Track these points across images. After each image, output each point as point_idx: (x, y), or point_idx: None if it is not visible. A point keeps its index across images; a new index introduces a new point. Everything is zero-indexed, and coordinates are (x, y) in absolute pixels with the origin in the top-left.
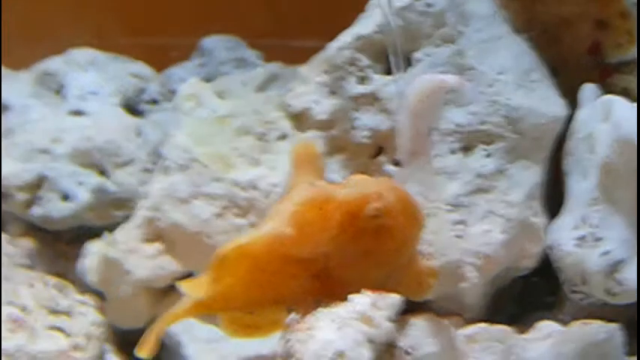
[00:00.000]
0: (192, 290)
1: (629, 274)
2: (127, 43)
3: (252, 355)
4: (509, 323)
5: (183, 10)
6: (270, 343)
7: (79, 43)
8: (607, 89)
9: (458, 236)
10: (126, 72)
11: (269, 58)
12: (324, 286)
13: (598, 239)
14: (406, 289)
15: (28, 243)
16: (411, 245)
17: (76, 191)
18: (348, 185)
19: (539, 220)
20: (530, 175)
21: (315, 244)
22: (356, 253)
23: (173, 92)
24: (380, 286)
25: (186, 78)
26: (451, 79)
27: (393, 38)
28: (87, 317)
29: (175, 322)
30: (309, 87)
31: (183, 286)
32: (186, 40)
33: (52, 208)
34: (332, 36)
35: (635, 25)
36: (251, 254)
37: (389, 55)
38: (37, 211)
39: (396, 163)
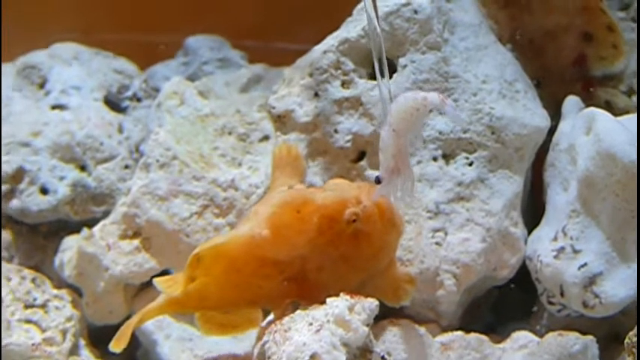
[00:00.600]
0: (168, 287)
1: (606, 287)
2: (112, 39)
3: (226, 355)
4: (485, 332)
5: (169, 8)
6: (243, 344)
7: (65, 37)
8: (590, 102)
9: (437, 244)
10: (109, 68)
11: (253, 59)
12: (300, 288)
13: (577, 251)
14: (384, 295)
15: (5, 235)
16: (389, 251)
17: (56, 185)
18: (327, 189)
19: (519, 230)
20: (510, 185)
21: (292, 247)
22: (333, 256)
23: (156, 90)
24: (357, 290)
25: (169, 76)
26: (434, 97)
27: (378, 44)
28: (62, 312)
29: (150, 318)
30: (292, 89)
31: (159, 282)
32: (172, 38)
33: (30, 201)
34: (317, 39)
35: (621, 39)
36: (227, 255)
37: (373, 61)
38: (15, 203)
39: (378, 181)
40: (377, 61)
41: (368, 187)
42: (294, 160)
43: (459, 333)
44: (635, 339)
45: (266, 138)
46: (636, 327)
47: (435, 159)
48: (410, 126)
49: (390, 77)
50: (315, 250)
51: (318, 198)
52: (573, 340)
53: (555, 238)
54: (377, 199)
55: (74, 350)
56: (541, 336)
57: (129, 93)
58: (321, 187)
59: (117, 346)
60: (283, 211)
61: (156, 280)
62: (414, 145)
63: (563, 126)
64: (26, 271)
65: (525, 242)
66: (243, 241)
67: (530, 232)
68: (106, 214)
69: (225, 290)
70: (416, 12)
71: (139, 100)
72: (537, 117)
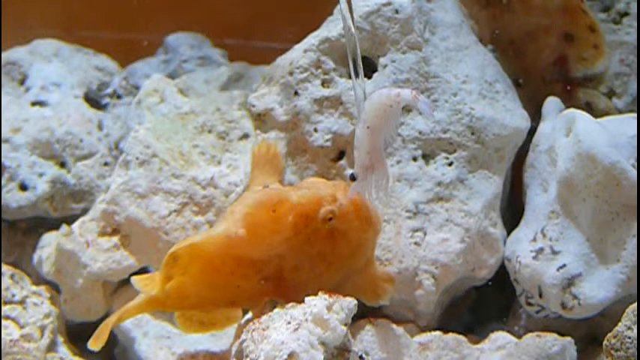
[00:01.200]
0: (145, 286)
1: (585, 288)
2: (92, 36)
3: (204, 352)
4: (463, 333)
5: (150, 5)
6: (221, 341)
7: (46, 34)
8: (571, 103)
9: (416, 244)
10: (90, 65)
11: (234, 57)
12: (278, 287)
13: (555, 252)
14: (362, 294)
15: None
16: (366, 249)
17: (35, 182)
18: (302, 188)
19: (498, 230)
20: (490, 186)
21: (268, 246)
22: (310, 255)
23: (137, 87)
24: (335, 289)
25: (150, 73)
26: (406, 93)
27: (353, 43)
28: (40, 308)
29: (129, 317)
30: (272, 88)
31: (137, 281)
32: (152, 35)
33: (9, 197)
34: (298, 38)
35: (603, 40)
36: (204, 254)
37: (349, 61)
38: None
39: (353, 178)
40: (352, 61)
41: (344, 185)
42: (272, 158)
43: (437, 333)
44: (614, 341)
45: (246, 136)
46: (636, 326)
47: (414, 159)
48: (383, 122)
49: (371, 77)
50: (292, 249)
51: (293, 197)
52: (551, 341)
53: (534, 239)
54: (352, 196)
55: (52, 347)
56: (519, 337)
57: (109, 90)
58: (297, 185)
59: (95, 344)
60: (258, 211)
61: (134, 279)
62: (390, 143)
63: (543, 127)
64: (5, 268)
65: (504, 243)
66: (220, 240)
67: (509, 232)
68: (85, 211)
69: (204, 290)
70: (397, 12)
71: (119, 97)
72: (517, 118)
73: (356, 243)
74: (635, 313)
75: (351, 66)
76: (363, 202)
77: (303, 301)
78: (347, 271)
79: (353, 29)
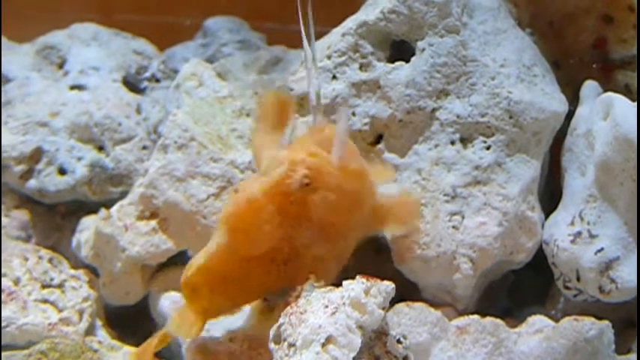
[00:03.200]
0: (183, 332)
1: (622, 272)
2: (131, 20)
3: (242, 335)
4: (500, 316)
5: None
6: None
7: (84, 18)
8: (609, 86)
9: (454, 227)
10: (128, 49)
11: (272, 41)
12: (302, 265)
13: (593, 236)
14: (396, 220)
15: (22, 215)
16: (367, 198)
17: (74, 166)
18: (263, 172)
19: (535, 214)
20: (527, 170)
21: (266, 238)
22: (312, 226)
23: (175, 71)
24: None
25: (188, 58)
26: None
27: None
28: (79, 292)
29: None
30: (311, 72)
31: (172, 330)
32: (191, 19)
33: (48, 181)
34: (336, 22)
35: None
36: (215, 272)
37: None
38: (33, 183)
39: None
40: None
41: (303, 140)
42: (281, 109)
43: (475, 317)
44: None
45: None
46: (636, 326)
47: (452, 142)
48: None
49: (409, 60)
50: (293, 228)
51: (259, 189)
52: (589, 325)
53: (572, 223)
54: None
55: (90, 330)
56: (557, 320)
57: (147, 74)
58: (257, 172)
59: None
60: (236, 217)
61: (168, 328)
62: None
63: (581, 110)
64: (43, 251)
65: (542, 227)
66: (219, 254)
67: (547, 216)
68: (123, 194)
69: (234, 297)
70: None
71: (157, 81)
72: (555, 101)
73: (349, 194)
74: None
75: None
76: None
77: (331, 276)
78: (360, 229)
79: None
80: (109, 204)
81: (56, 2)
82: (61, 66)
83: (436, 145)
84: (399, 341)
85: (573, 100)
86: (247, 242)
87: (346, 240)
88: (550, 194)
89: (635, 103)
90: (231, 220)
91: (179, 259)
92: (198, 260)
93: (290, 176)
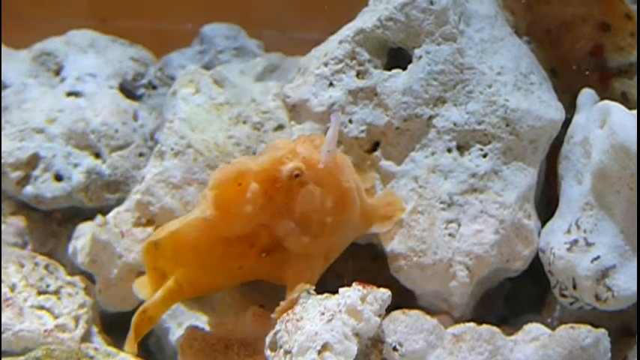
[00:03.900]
0: (139, 290)
1: (619, 280)
2: (128, 27)
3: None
4: (497, 324)
5: None
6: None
7: (81, 24)
8: (606, 94)
9: (450, 235)
10: (125, 55)
11: (269, 48)
12: (284, 258)
13: (590, 244)
14: (382, 218)
15: (19, 222)
16: (354, 200)
17: (70, 172)
18: (262, 154)
19: (532, 222)
20: (524, 177)
21: (246, 219)
22: (294, 218)
23: (172, 78)
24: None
25: (185, 64)
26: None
27: None
28: (75, 299)
29: (156, 316)
30: (307, 79)
31: (136, 287)
32: (188, 26)
33: (44, 187)
34: (333, 29)
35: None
36: (186, 241)
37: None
38: (29, 190)
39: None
40: None
41: (304, 139)
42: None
43: (471, 324)
44: None
45: (281, 127)
46: (636, 327)
47: (449, 150)
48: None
49: (406, 68)
50: (273, 215)
51: (253, 166)
52: (585, 332)
53: (569, 231)
54: (325, 159)
55: (86, 337)
56: (553, 328)
57: (144, 81)
58: (259, 153)
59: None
60: (224, 188)
61: (135, 286)
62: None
63: (578, 118)
64: (39, 258)
65: (539, 234)
66: (197, 224)
67: (543, 224)
68: (120, 201)
69: (210, 276)
70: (432, 3)
71: (154, 87)
72: (552, 109)
73: (338, 193)
74: None
75: None
76: (333, 156)
77: (315, 274)
78: (348, 231)
79: None
80: (105, 211)
81: (53, 9)
82: (57, 72)
83: (433, 153)
84: (395, 349)
85: (570, 107)
86: (229, 219)
87: (331, 238)
88: (546, 202)
89: (633, 112)
90: (217, 192)
91: None
92: (171, 225)
93: (283, 162)
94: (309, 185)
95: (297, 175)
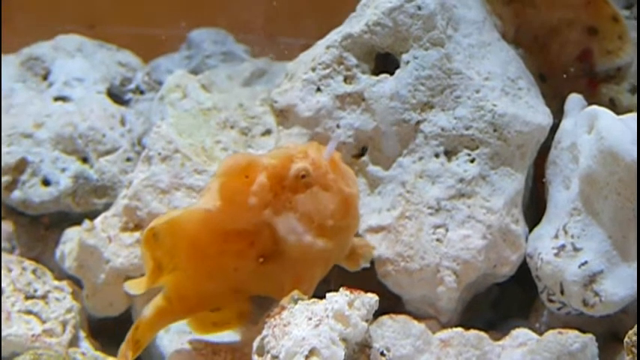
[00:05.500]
0: (133, 287)
1: (606, 285)
2: (115, 32)
3: (226, 347)
4: (484, 329)
5: (173, 1)
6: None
7: (69, 30)
8: (595, 99)
9: (437, 240)
10: (113, 60)
11: (257, 53)
12: (281, 266)
13: (577, 249)
14: (348, 261)
15: (7, 226)
16: (355, 208)
17: (58, 177)
18: (273, 151)
19: (520, 227)
20: (512, 182)
21: (249, 213)
22: (297, 218)
23: (159, 83)
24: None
25: (172, 69)
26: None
27: None
28: (62, 303)
29: (147, 337)
30: (295, 84)
31: (129, 285)
32: (175, 31)
33: (32, 192)
34: (321, 34)
35: (627, 30)
36: (185, 231)
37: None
38: (17, 194)
39: None
40: None
41: (316, 145)
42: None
43: (459, 330)
44: (634, 338)
45: (268, 132)
46: (636, 326)
47: (436, 155)
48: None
49: (393, 73)
50: (276, 212)
51: (263, 159)
52: (573, 338)
53: (556, 236)
54: (329, 155)
55: (74, 342)
56: (540, 333)
57: (132, 85)
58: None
59: None
60: (231, 178)
61: (126, 284)
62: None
63: (566, 124)
64: (27, 262)
65: (526, 240)
66: (198, 215)
67: (531, 229)
68: (107, 206)
69: (201, 282)
70: (419, 8)
71: (141, 92)
72: (540, 114)
73: (341, 198)
74: None
75: None
76: (339, 159)
77: (313, 283)
78: (343, 238)
79: None
80: (92, 215)
81: (42, 14)
82: (45, 77)
83: (420, 158)
84: (382, 354)
85: (558, 113)
86: (233, 211)
87: (330, 242)
88: (534, 207)
89: (621, 117)
90: (224, 181)
91: None
92: (173, 213)
93: (293, 161)
94: (314, 187)
95: (303, 176)
